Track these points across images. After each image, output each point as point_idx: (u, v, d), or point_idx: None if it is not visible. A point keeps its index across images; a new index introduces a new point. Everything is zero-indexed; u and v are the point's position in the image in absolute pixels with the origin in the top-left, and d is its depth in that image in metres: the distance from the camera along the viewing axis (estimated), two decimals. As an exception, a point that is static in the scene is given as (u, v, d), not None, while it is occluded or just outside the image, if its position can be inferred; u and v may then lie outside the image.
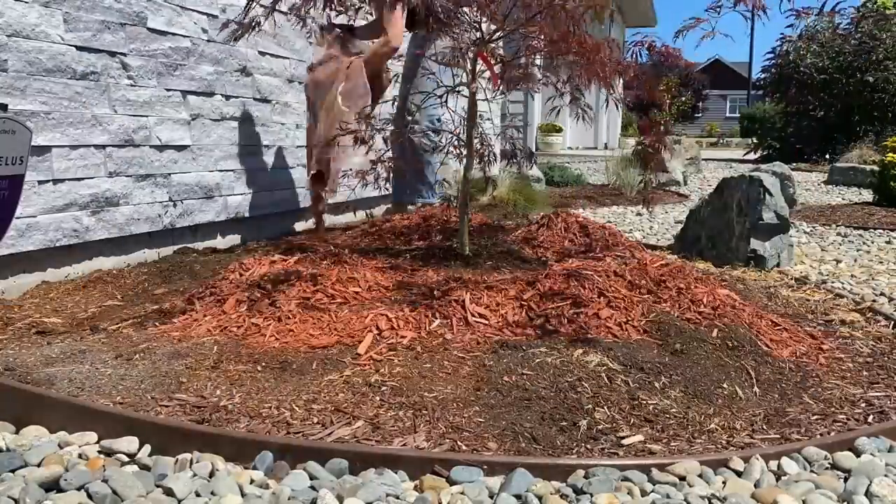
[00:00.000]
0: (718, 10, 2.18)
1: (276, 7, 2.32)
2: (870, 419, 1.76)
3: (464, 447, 1.51)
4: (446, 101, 2.80)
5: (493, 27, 2.66)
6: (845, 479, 1.47)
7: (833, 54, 13.38)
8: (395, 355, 1.88)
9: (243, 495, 1.34)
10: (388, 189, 4.13)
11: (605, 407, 1.68)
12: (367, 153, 2.75)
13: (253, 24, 2.40)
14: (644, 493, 1.38)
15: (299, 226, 4.25)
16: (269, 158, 3.88)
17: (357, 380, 1.75)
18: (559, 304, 2.15)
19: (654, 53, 2.38)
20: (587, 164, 10.75)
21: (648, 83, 2.57)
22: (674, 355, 1.95)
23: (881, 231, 5.06)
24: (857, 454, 1.57)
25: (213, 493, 1.34)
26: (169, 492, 1.34)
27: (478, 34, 2.66)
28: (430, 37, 2.42)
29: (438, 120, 3.70)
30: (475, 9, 2.60)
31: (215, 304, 2.25)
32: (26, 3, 2.54)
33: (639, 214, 5.84)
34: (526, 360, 1.84)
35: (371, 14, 3.38)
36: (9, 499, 1.30)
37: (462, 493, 1.36)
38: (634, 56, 2.48)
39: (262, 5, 2.40)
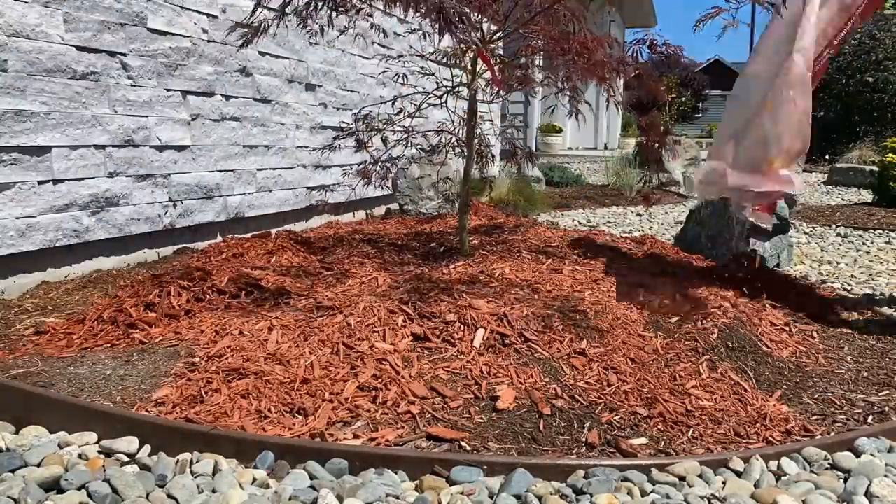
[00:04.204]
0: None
1: (285, 11, 2.31)
2: (870, 419, 1.77)
3: (464, 447, 1.52)
4: (446, 102, 2.80)
5: (493, 27, 2.66)
6: (845, 480, 1.47)
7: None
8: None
9: (245, 494, 1.34)
10: (388, 189, 4.13)
11: (606, 406, 1.69)
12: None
13: (261, 28, 2.39)
14: (644, 494, 1.38)
15: (299, 226, 4.25)
16: (269, 158, 3.88)
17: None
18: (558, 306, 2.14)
19: (655, 51, 2.35)
20: (587, 165, 10.75)
21: (650, 80, 2.56)
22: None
23: (881, 231, 5.06)
24: (857, 454, 1.57)
25: (213, 491, 1.34)
26: (169, 492, 1.34)
27: (478, 34, 2.66)
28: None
29: None
30: (476, 10, 2.60)
31: (215, 304, 2.25)
32: (26, 3, 2.54)
33: (639, 215, 5.84)
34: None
35: None
36: (9, 499, 1.30)
37: (462, 493, 1.36)
38: (635, 54, 2.47)
39: (269, 8, 2.39)
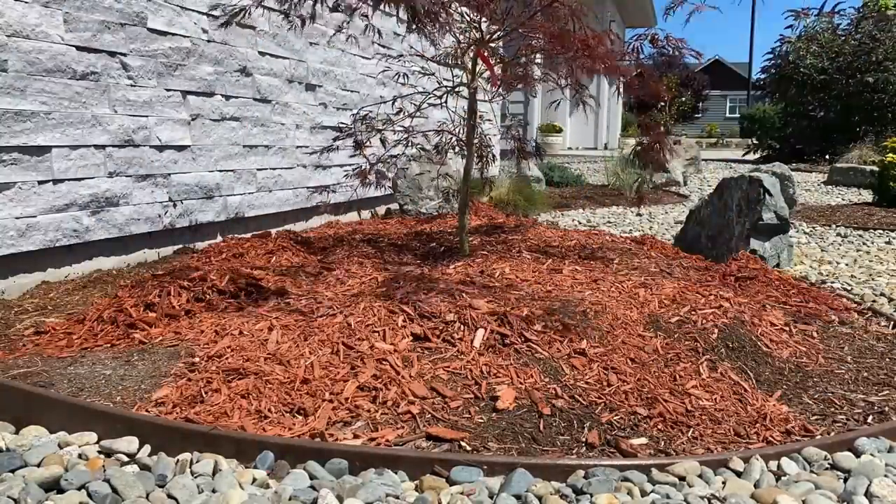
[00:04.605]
0: None
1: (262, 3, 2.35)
2: (870, 419, 1.77)
3: (464, 447, 1.52)
4: (446, 102, 2.80)
5: (493, 27, 2.66)
6: (845, 480, 1.47)
7: (833, 55, 13.39)
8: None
9: (245, 494, 1.34)
10: (388, 189, 4.14)
11: (606, 406, 1.68)
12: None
13: (244, 10, 2.41)
14: (644, 494, 1.38)
15: (299, 226, 4.25)
16: (269, 158, 3.88)
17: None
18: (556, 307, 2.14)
19: (657, 46, 2.35)
20: (587, 165, 10.75)
21: (651, 79, 2.56)
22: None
23: (881, 231, 5.06)
24: (857, 454, 1.57)
25: (213, 491, 1.34)
26: (169, 492, 1.34)
27: (477, 34, 2.66)
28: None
29: None
30: (474, 9, 2.61)
31: (215, 304, 2.25)
32: (26, 3, 2.54)
33: (639, 215, 5.84)
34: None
35: None
36: (9, 499, 1.30)
37: (462, 493, 1.36)
38: (636, 50, 2.47)
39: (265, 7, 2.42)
